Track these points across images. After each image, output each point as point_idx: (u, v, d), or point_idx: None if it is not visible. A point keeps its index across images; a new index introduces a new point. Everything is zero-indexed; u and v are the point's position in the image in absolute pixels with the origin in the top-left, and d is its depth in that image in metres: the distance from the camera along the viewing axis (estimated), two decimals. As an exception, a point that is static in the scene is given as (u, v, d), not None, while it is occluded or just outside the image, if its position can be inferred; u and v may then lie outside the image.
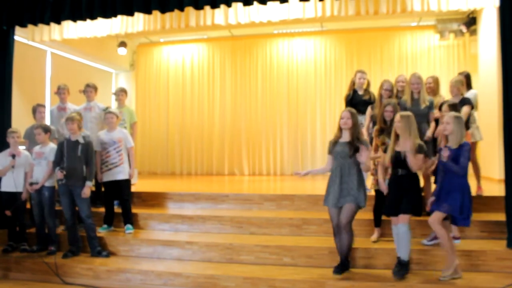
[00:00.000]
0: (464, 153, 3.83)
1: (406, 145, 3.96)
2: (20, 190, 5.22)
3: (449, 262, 3.89)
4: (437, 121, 5.00)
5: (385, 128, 4.60)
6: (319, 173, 4.50)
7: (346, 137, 4.14)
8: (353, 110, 4.21)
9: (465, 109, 4.79)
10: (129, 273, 4.56)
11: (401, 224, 3.95)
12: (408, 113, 4.12)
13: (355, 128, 4.11)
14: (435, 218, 3.87)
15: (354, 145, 4.06)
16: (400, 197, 4.01)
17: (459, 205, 3.81)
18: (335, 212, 4.14)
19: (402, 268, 3.97)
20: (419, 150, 3.96)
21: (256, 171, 10.63)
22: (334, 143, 4.21)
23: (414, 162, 3.93)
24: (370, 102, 5.61)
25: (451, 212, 3.85)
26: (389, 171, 4.30)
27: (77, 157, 4.96)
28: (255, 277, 4.21)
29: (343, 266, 4.20)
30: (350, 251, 4.22)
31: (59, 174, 4.89)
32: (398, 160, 4.02)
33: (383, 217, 4.66)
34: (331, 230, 4.60)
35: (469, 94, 5.36)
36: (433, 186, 4.99)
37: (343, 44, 10.37)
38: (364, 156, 4.06)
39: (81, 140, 5.02)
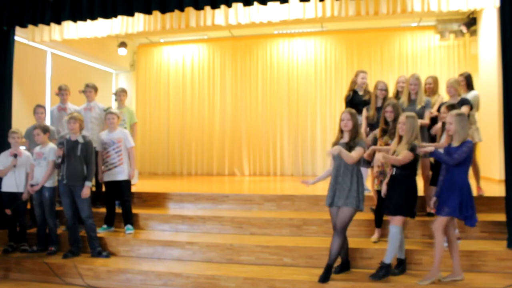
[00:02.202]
0: (462, 148, 3.79)
1: (405, 146, 3.93)
2: (21, 191, 5.22)
3: (434, 271, 3.84)
4: (434, 119, 5.00)
5: (387, 129, 4.60)
6: (326, 177, 4.37)
7: (346, 138, 4.13)
8: (353, 111, 4.17)
9: (463, 109, 4.77)
10: (129, 273, 4.55)
11: (391, 225, 3.96)
12: (413, 114, 4.11)
13: (354, 129, 4.10)
14: (438, 224, 3.82)
15: (350, 145, 4.05)
16: (392, 196, 4.02)
17: (458, 206, 3.77)
18: (334, 212, 4.11)
19: (381, 270, 3.95)
20: (410, 148, 3.90)
21: (256, 171, 10.63)
22: (335, 144, 4.19)
23: (405, 156, 3.89)
24: (370, 102, 5.61)
25: (451, 214, 3.81)
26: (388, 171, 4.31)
27: (77, 157, 4.96)
28: (255, 277, 4.20)
29: (343, 266, 4.24)
30: (336, 256, 4.06)
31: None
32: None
33: (384, 218, 4.65)
34: (331, 231, 4.60)
35: (470, 95, 5.35)
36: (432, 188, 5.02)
37: (343, 45, 10.37)
38: (353, 153, 3.96)
39: (81, 140, 5.02)
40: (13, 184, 5.19)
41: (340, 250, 4.05)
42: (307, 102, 10.40)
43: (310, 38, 10.53)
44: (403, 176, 4.02)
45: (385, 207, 4.14)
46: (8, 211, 5.19)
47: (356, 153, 3.97)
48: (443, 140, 4.35)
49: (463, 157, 3.79)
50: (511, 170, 4.46)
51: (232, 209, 5.84)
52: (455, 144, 3.89)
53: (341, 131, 4.17)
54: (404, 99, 5.15)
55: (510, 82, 4.49)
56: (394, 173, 4.06)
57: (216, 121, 10.86)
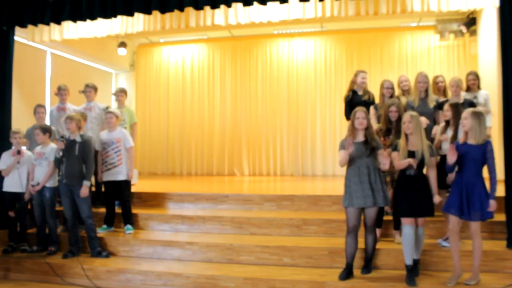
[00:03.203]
0: (489, 153, 3.83)
1: (419, 144, 3.94)
2: (24, 191, 5.21)
3: (476, 271, 3.85)
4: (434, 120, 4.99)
5: (391, 128, 4.59)
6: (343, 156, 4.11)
7: (360, 137, 4.11)
8: (366, 110, 4.18)
9: (481, 109, 4.74)
10: (129, 273, 4.55)
11: (422, 227, 4.01)
12: (415, 113, 4.11)
13: (369, 128, 4.11)
14: (477, 229, 3.81)
15: (371, 144, 4.05)
16: (418, 198, 3.95)
17: (488, 205, 3.79)
18: (356, 212, 4.06)
19: (414, 268, 4.00)
20: (432, 152, 3.99)
21: (256, 171, 10.63)
22: (347, 142, 4.07)
23: (433, 165, 4.01)
24: (369, 102, 5.58)
25: (486, 217, 3.82)
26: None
27: (75, 157, 4.95)
28: (255, 277, 4.20)
29: (369, 268, 4.26)
30: (374, 251, 4.23)
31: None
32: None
33: (384, 218, 4.65)
34: (331, 231, 4.62)
35: (482, 95, 5.32)
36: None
37: (343, 45, 10.38)
38: (384, 158, 4.04)
39: (78, 139, 5.00)
40: (16, 183, 5.19)
41: (375, 244, 4.19)
42: (307, 102, 10.40)
43: (310, 38, 10.53)
44: (421, 176, 4.01)
45: (412, 210, 3.95)
46: (11, 214, 5.19)
47: (386, 158, 4.04)
48: (448, 135, 4.34)
49: (494, 160, 3.87)
50: (511, 170, 4.46)
51: (232, 209, 5.84)
52: (471, 141, 3.85)
53: (353, 130, 4.12)
54: (414, 97, 5.09)
55: (510, 82, 4.49)
56: (413, 174, 3.99)
57: (216, 121, 10.86)
